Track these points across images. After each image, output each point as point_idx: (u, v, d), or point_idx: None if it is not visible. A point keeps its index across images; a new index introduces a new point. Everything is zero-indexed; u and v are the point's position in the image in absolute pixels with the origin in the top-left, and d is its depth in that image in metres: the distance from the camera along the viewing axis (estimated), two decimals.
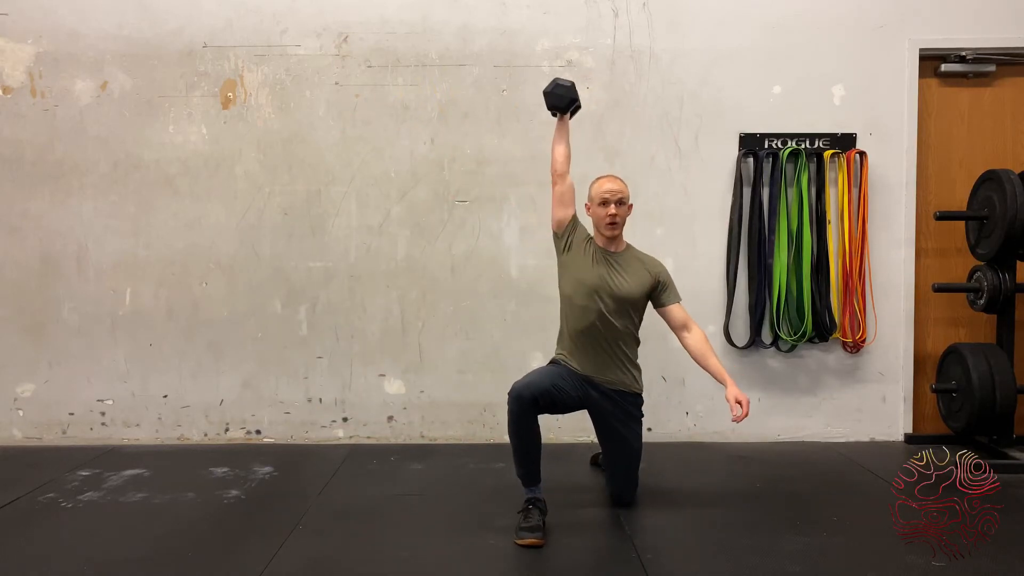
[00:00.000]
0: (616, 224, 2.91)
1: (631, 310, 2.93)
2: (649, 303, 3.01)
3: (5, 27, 3.90)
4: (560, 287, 3.01)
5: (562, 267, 3.01)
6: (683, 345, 2.99)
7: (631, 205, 3.00)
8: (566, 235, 2.99)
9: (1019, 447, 3.65)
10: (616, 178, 2.97)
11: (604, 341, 2.90)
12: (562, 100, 3.02)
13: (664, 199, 3.93)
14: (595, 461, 3.50)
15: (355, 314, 3.96)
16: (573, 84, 3.03)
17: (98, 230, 3.94)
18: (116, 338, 3.95)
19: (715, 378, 2.90)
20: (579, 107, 3.10)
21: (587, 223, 3.03)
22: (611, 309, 2.88)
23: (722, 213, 3.94)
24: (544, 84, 3.92)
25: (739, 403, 2.76)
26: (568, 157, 3.01)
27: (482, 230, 3.96)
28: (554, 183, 3.02)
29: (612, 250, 2.96)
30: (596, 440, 3.11)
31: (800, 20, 3.92)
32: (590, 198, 2.96)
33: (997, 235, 3.57)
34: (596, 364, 2.91)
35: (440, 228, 3.96)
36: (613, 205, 2.89)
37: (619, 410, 2.94)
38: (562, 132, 3.03)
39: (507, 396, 2.75)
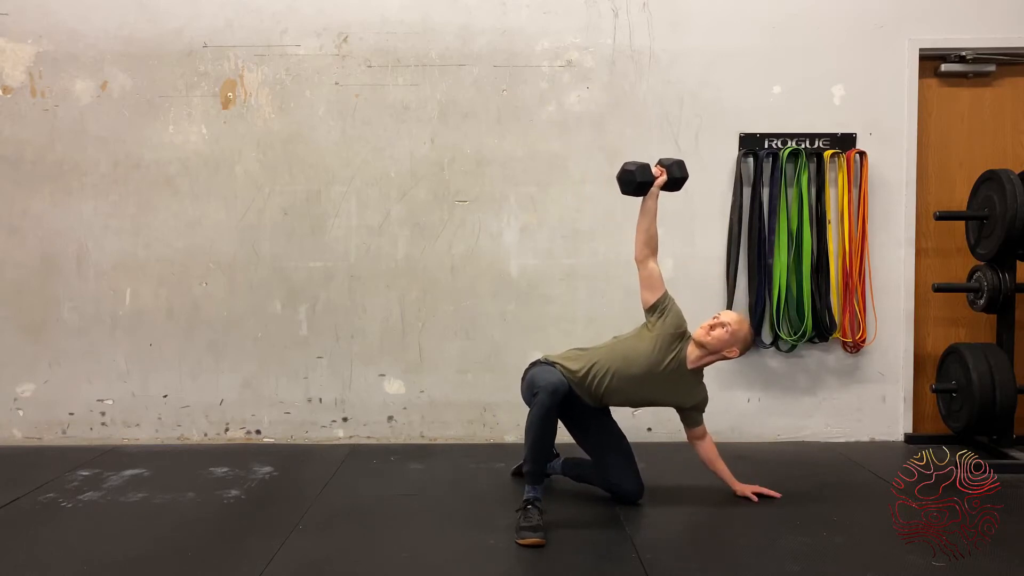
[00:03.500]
0: (710, 335, 2.88)
1: (648, 403, 3.07)
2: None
3: (5, 27, 3.90)
4: (626, 338, 3.02)
5: (641, 333, 2.99)
6: (695, 449, 3.11)
7: (735, 350, 2.92)
8: (657, 315, 2.95)
9: (1019, 447, 3.65)
10: (743, 320, 2.96)
11: (618, 397, 3.00)
12: (628, 186, 2.95)
13: (664, 199, 3.89)
14: (519, 471, 3.32)
15: (355, 314, 3.96)
16: (640, 167, 2.91)
17: (98, 230, 3.94)
18: (116, 338, 3.95)
19: (724, 481, 3.10)
20: (678, 179, 3.00)
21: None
22: (639, 395, 3.00)
23: (722, 213, 3.94)
24: (544, 84, 3.96)
25: (755, 493, 3.04)
26: (646, 242, 2.94)
27: (482, 230, 3.95)
28: (637, 267, 3.00)
29: (688, 365, 2.94)
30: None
31: (800, 20, 3.92)
32: None
33: (997, 235, 3.57)
34: (599, 399, 3.00)
35: (440, 228, 3.96)
36: (718, 322, 2.90)
37: (597, 411, 3.07)
38: (642, 215, 2.96)
39: (536, 390, 2.79)
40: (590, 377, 2.94)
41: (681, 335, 2.95)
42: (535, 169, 3.92)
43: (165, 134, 3.93)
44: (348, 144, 3.94)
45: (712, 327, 2.90)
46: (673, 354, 2.93)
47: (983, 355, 3.56)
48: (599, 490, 3.11)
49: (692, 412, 3.03)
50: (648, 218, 2.94)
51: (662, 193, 2.95)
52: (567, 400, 2.91)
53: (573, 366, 2.97)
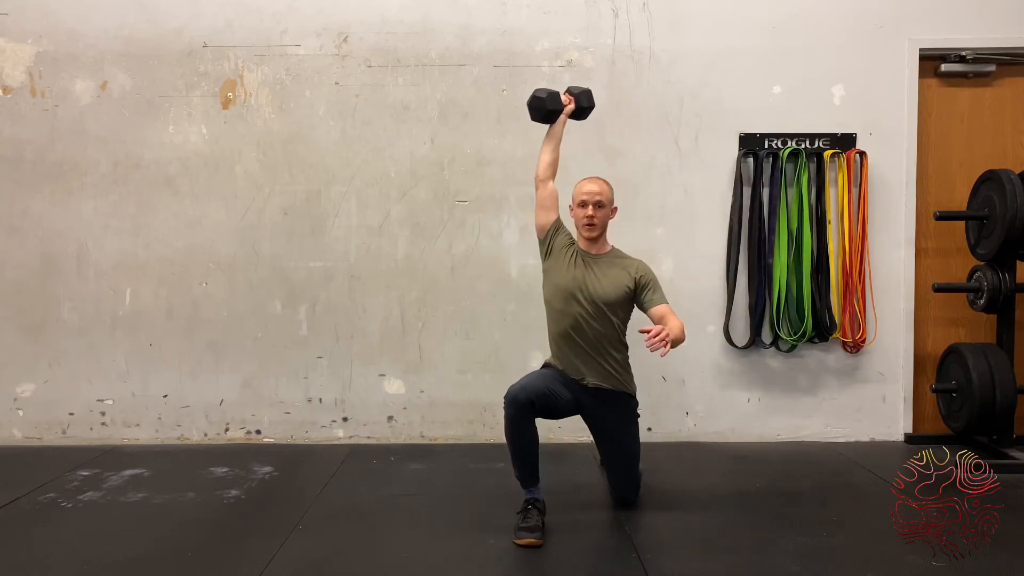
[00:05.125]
0: (594, 226, 2.89)
1: (609, 313, 2.87)
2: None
3: (5, 27, 3.90)
4: (543, 292, 3.01)
5: (544, 272, 3.01)
6: None
7: (615, 208, 2.99)
8: (548, 240, 2.99)
9: (1019, 447, 3.65)
10: (599, 180, 2.96)
11: (585, 344, 2.87)
12: (538, 113, 3.04)
13: (664, 199, 3.93)
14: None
15: (355, 314, 3.96)
16: (551, 95, 3.01)
17: (98, 230, 3.94)
18: (116, 338, 3.95)
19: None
20: (585, 108, 3.09)
21: (572, 226, 3.03)
22: (589, 312, 2.85)
23: (722, 213, 3.94)
24: (544, 84, 3.93)
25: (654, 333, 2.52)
26: (550, 164, 3.01)
27: (482, 230, 3.96)
28: (536, 188, 3.03)
29: (593, 252, 2.95)
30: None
31: (800, 20, 3.92)
32: (572, 199, 2.96)
33: (997, 235, 3.57)
34: (578, 368, 2.90)
35: (440, 228, 3.96)
36: (591, 207, 2.88)
37: (611, 412, 2.93)
38: (548, 139, 3.04)
39: (503, 399, 2.75)
40: (558, 340, 2.91)
41: (572, 242, 2.98)
42: (535, 169, 3.90)
43: (165, 134, 3.93)
44: (348, 144, 3.94)
45: (592, 216, 2.87)
46: (572, 254, 2.92)
47: (983, 355, 3.56)
48: (599, 491, 3.12)
49: (644, 291, 2.86)
50: (555, 141, 3.04)
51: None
52: (571, 400, 2.87)
53: (550, 347, 2.99)
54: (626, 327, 2.96)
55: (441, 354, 3.97)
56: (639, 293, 2.89)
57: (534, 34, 3.92)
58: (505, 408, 2.73)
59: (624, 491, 2.98)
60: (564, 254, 2.94)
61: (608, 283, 2.87)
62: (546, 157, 3.01)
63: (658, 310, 2.82)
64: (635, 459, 2.99)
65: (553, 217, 3.00)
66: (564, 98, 3.06)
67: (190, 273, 3.95)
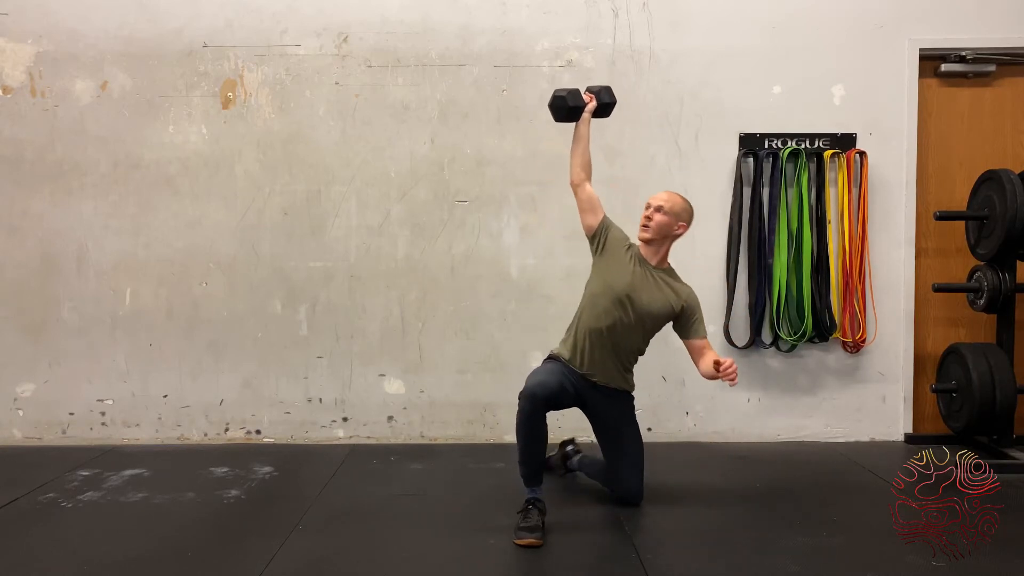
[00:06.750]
0: (647, 227, 2.92)
1: (645, 326, 2.93)
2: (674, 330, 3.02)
3: (5, 27, 3.90)
4: (588, 284, 3.01)
5: (595, 267, 3.01)
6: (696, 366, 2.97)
7: (683, 225, 2.95)
8: (598, 238, 2.99)
9: (1019, 447, 3.65)
10: (673, 193, 2.98)
11: (613, 347, 2.91)
12: (560, 112, 3.03)
13: None
14: (557, 466, 3.38)
15: (355, 314, 3.96)
16: (571, 92, 3.00)
17: (98, 230, 3.94)
18: (116, 338, 3.95)
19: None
20: (607, 104, 3.07)
21: (625, 227, 3.04)
22: (630, 320, 2.89)
23: (722, 213, 3.94)
24: (544, 84, 3.95)
25: (721, 364, 2.70)
26: (582, 166, 3.00)
27: (482, 230, 3.96)
28: (574, 193, 3.03)
29: (652, 263, 2.95)
30: (594, 440, 3.11)
31: (800, 20, 3.92)
32: None
33: (997, 235, 3.57)
34: (598, 365, 2.93)
35: (440, 228, 3.96)
36: (651, 209, 2.92)
37: (614, 408, 2.99)
38: (576, 142, 3.02)
39: (518, 395, 2.76)
40: (588, 334, 2.91)
41: (630, 244, 2.98)
42: (535, 169, 3.92)
43: (165, 134, 3.93)
44: (348, 144, 3.94)
45: (649, 218, 2.91)
46: (630, 256, 2.93)
47: (983, 355, 3.56)
48: (599, 491, 3.11)
49: (690, 320, 2.93)
50: (583, 143, 3.02)
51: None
52: (574, 395, 2.89)
53: (567, 352, 2.98)
54: (649, 342, 3.03)
55: (441, 354, 3.97)
56: (683, 319, 2.95)
57: (534, 34, 3.92)
58: (521, 403, 2.75)
59: (631, 488, 2.98)
60: (622, 252, 2.94)
61: (658, 299, 2.91)
62: (577, 160, 3.01)
63: (699, 343, 2.94)
64: (641, 453, 3.02)
65: (600, 216, 3.00)
66: (585, 96, 3.05)
67: (190, 273, 3.95)
